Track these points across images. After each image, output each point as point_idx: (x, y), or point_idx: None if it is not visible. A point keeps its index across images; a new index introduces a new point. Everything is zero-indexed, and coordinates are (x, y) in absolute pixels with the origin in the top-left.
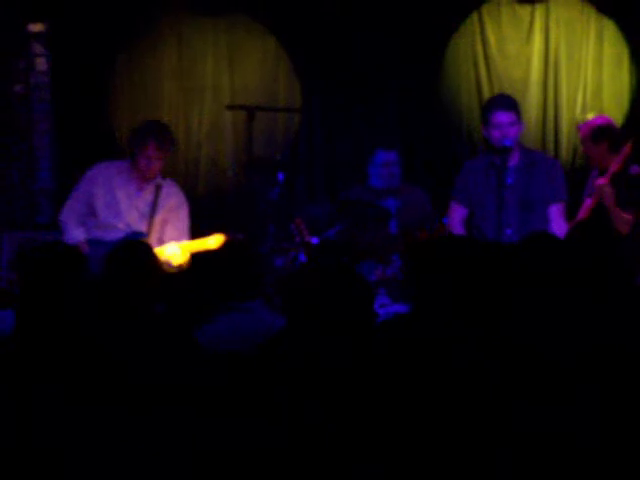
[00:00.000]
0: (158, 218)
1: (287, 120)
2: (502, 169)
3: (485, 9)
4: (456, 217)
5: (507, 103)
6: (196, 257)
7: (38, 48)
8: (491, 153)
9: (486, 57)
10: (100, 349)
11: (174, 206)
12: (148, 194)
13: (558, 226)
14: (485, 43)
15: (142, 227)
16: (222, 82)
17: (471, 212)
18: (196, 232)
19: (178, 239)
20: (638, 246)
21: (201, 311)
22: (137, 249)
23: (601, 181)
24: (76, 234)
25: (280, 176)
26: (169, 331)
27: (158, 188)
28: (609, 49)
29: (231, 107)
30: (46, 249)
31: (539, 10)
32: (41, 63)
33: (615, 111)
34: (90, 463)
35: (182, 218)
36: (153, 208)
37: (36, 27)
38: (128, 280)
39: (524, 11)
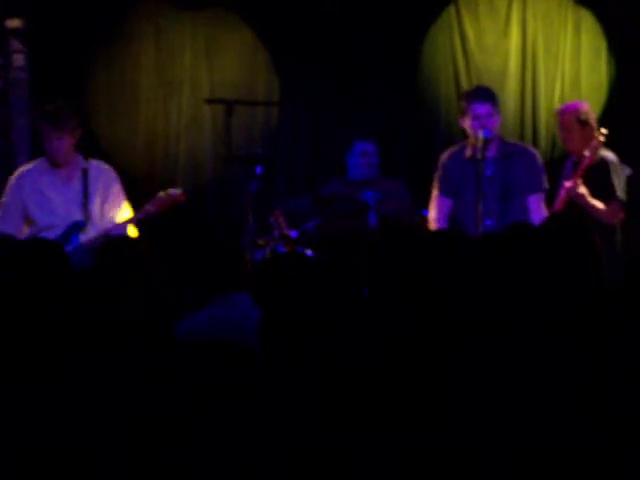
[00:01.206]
0: (95, 203)
1: (266, 114)
2: (481, 160)
3: (462, 1)
4: (442, 210)
5: (485, 95)
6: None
7: (16, 44)
8: (469, 145)
9: (464, 49)
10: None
11: (106, 186)
12: (76, 182)
13: (537, 216)
14: (463, 35)
15: (79, 218)
16: (200, 76)
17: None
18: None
19: (119, 215)
20: (619, 235)
21: (182, 304)
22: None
23: (568, 184)
24: None
25: (259, 170)
26: (151, 324)
27: (84, 173)
28: (587, 40)
29: (210, 101)
30: (27, 246)
31: (516, 2)
32: (19, 59)
33: (593, 102)
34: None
35: (118, 196)
36: (85, 195)
37: (13, 23)
38: (114, 276)
39: (501, 3)
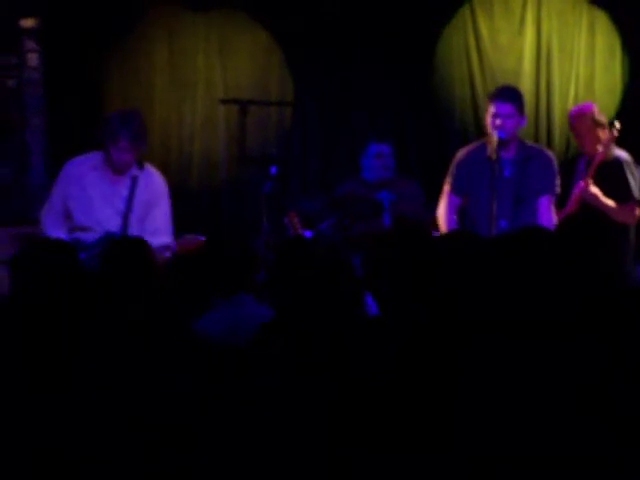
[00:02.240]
0: (135, 214)
1: (280, 114)
2: (495, 161)
3: (477, 1)
4: (451, 207)
5: (508, 95)
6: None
7: (30, 44)
8: (488, 143)
9: (478, 49)
10: (94, 344)
11: (152, 199)
12: (123, 188)
13: (546, 218)
14: (477, 35)
15: (117, 226)
16: (214, 76)
17: (465, 203)
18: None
19: (158, 233)
20: (633, 236)
21: (194, 305)
22: (134, 246)
23: (581, 184)
24: (59, 236)
25: (273, 170)
26: (163, 325)
27: (134, 181)
28: (601, 40)
29: (224, 101)
30: (43, 247)
31: (531, 2)
32: (33, 59)
33: (608, 102)
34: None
35: (162, 209)
36: (128, 204)
37: (28, 23)
38: (125, 277)
39: (516, 3)
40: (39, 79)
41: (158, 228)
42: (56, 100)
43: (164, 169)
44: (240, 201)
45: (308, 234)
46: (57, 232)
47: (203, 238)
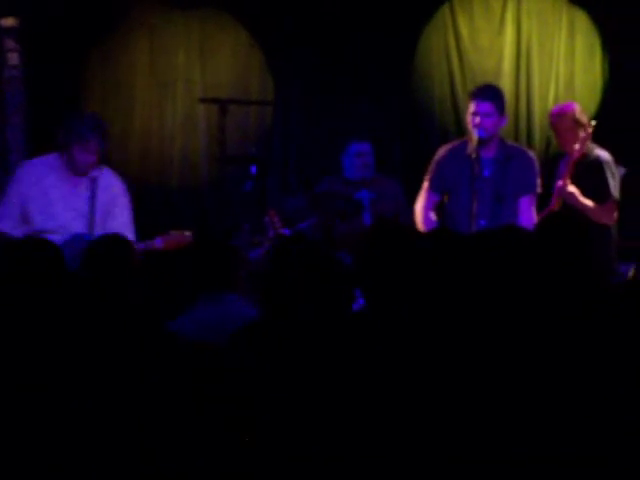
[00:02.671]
0: (98, 215)
1: (260, 113)
2: (475, 160)
3: (457, 1)
4: (428, 204)
5: (488, 93)
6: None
7: (10, 43)
8: (469, 143)
9: (458, 49)
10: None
11: (113, 199)
12: (84, 190)
13: (527, 218)
14: (457, 35)
15: (81, 228)
16: (194, 75)
17: (443, 199)
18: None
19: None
20: (615, 234)
21: (175, 302)
22: (116, 244)
23: (559, 183)
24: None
25: (253, 169)
26: (143, 322)
27: (93, 181)
28: (581, 40)
29: (204, 100)
30: (25, 245)
31: (511, 2)
32: (13, 58)
33: (588, 101)
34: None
35: (123, 209)
36: (91, 205)
37: (8, 22)
38: (107, 275)
39: (496, 3)
40: (19, 78)
41: (121, 228)
42: (36, 99)
43: (144, 168)
44: (220, 200)
45: (288, 233)
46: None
47: (190, 234)
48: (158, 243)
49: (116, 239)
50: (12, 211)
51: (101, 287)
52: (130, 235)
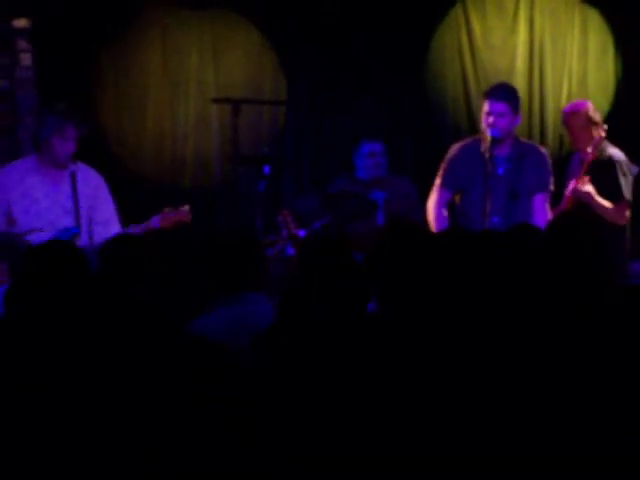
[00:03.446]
0: (83, 209)
1: (273, 113)
2: (489, 159)
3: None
4: (440, 201)
5: (502, 93)
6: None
7: (22, 44)
8: (483, 140)
9: (471, 47)
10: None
11: (95, 191)
12: (65, 185)
13: (541, 216)
14: (470, 33)
15: (67, 223)
16: (207, 76)
17: (456, 198)
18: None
19: (109, 224)
20: (629, 235)
21: (198, 301)
22: (132, 243)
23: (572, 184)
24: None
25: (266, 169)
26: (163, 321)
27: (73, 176)
28: (594, 38)
29: (217, 100)
30: (48, 247)
31: (523, 0)
32: (25, 59)
33: (601, 100)
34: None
35: (106, 200)
36: (75, 198)
37: (20, 23)
38: (124, 274)
39: (509, 1)
40: (32, 79)
41: (107, 219)
42: (49, 100)
43: (157, 168)
44: (234, 200)
45: (302, 233)
46: None
47: (187, 208)
48: (155, 223)
49: (129, 238)
50: None
51: (119, 287)
52: (117, 225)
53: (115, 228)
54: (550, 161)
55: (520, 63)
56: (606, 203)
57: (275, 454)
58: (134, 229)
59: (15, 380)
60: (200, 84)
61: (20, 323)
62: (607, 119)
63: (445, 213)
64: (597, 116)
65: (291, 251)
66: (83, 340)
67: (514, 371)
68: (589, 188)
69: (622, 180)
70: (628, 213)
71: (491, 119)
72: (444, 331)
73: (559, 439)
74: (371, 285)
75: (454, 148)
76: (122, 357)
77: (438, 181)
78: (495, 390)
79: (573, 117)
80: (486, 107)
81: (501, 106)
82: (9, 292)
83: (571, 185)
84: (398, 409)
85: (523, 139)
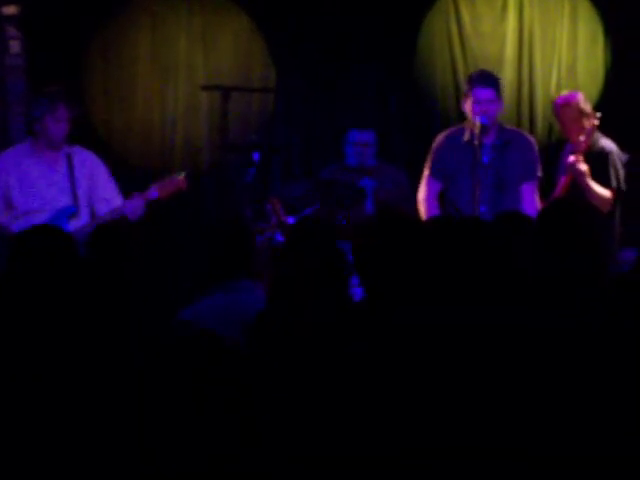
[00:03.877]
0: (82, 189)
1: (262, 100)
2: (478, 147)
3: None
4: (431, 192)
5: (489, 80)
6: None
7: (11, 31)
8: (467, 128)
9: (460, 35)
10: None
11: (93, 170)
12: (62, 167)
13: (530, 204)
14: (459, 21)
15: (65, 202)
16: (196, 62)
17: (445, 187)
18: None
19: (110, 201)
20: (618, 223)
21: (188, 289)
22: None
23: (571, 159)
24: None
25: (255, 156)
26: (156, 310)
27: (69, 157)
28: (584, 26)
29: (206, 87)
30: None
31: None
32: (14, 46)
33: (590, 88)
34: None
35: (105, 179)
36: (71, 178)
37: (9, 10)
38: (114, 261)
39: None
40: (21, 66)
41: (108, 197)
42: (38, 87)
43: (146, 155)
44: (223, 187)
45: (291, 220)
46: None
47: (183, 176)
48: (153, 193)
49: (118, 224)
50: None
51: (110, 272)
52: (118, 199)
53: (116, 202)
54: (536, 147)
55: (509, 51)
56: (598, 187)
57: (271, 442)
58: (136, 202)
59: (6, 369)
60: (189, 70)
61: (9, 310)
62: (596, 108)
63: (436, 205)
64: (588, 107)
65: (280, 238)
66: (72, 326)
67: (505, 361)
68: (584, 167)
69: (611, 170)
70: (612, 202)
71: (481, 107)
72: (433, 320)
73: (554, 431)
74: (357, 272)
75: (439, 138)
76: (112, 345)
77: (426, 172)
78: (488, 381)
79: (564, 109)
80: (475, 94)
81: (490, 92)
82: None
83: (571, 158)
84: (387, 399)
85: (507, 125)
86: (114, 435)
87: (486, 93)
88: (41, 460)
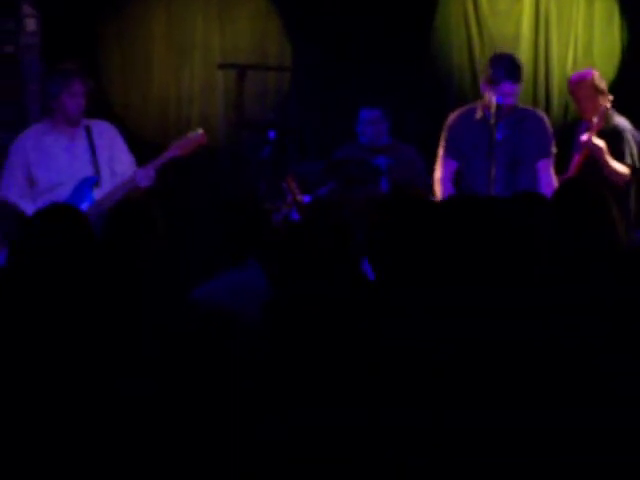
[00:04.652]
0: (103, 158)
1: (278, 79)
2: (493, 125)
3: None
4: (446, 171)
5: (517, 75)
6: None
7: (27, 9)
8: (480, 106)
9: (477, 14)
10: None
11: (111, 142)
12: (81, 140)
13: (546, 181)
14: (475, 1)
15: (88, 174)
16: (212, 41)
17: (460, 167)
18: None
19: (129, 170)
20: (636, 200)
21: (202, 268)
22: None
23: (585, 137)
24: (27, 208)
25: (271, 134)
26: (166, 289)
27: (88, 130)
28: (600, 5)
29: (222, 66)
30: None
31: None
32: (30, 24)
33: (606, 67)
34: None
35: (123, 150)
36: (92, 150)
37: None
38: (128, 239)
39: None
40: (37, 44)
41: (126, 168)
42: (54, 65)
43: (163, 133)
44: (238, 166)
45: (306, 199)
46: (25, 203)
47: (202, 132)
48: (174, 151)
49: (133, 204)
50: (17, 179)
51: (122, 253)
52: (135, 168)
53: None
54: (549, 124)
55: (525, 30)
56: (616, 163)
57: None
58: (155, 162)
59: (15, 351)
60: (205, 49)
61: (21, 290)
62: (612, 87)
63: (452, 186)
64: (603, 84)
65: (296, 216)
66: (84, 306)
67: (518, 340)
68: (601, 143)
69: (626, 148)
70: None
71: (505, 99)
72: (443, 299)
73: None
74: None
75: (452, 116)
76: (124, 324)
77: (441, 151)
78: (498, 360)
79: (579, 86)
80: (501, 88)
81: (516, 87)
82: (8, 260)
83: (585, 137)
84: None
85: (520, 104)
86: (126, 418)
87: (513, 88)
88: (52, 441)
